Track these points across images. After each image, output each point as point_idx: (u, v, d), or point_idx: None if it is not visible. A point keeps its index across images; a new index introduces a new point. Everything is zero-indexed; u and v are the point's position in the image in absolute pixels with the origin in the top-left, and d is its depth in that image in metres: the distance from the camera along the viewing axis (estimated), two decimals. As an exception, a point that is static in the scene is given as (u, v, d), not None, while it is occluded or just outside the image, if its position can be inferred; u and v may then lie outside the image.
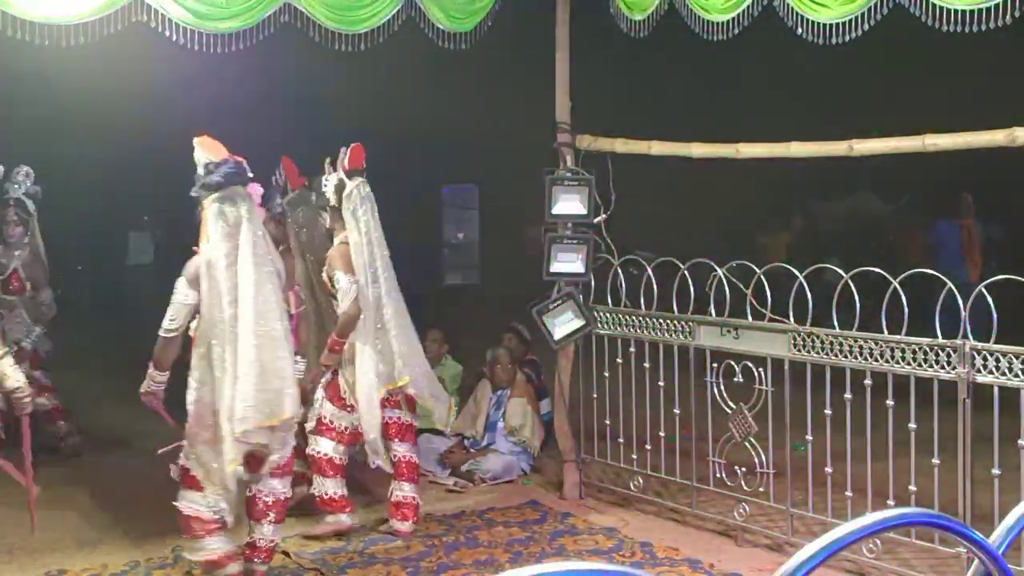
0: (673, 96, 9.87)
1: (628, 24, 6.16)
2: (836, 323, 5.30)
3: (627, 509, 6.40)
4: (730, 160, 6.05)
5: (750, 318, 5.73)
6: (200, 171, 4.98)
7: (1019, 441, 4.73)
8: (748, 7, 5.45)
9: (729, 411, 5.80)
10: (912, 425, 5.01)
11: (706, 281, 5.88)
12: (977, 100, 7.97)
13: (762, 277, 5.57)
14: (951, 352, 4.85)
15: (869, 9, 4.98)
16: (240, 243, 4.91)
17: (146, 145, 8.03)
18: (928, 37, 4.93)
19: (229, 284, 4.82)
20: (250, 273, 4.87)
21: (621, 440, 6.46)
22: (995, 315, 4.72)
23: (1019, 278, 4.72)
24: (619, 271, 6.39)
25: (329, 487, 5.88)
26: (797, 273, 5.40)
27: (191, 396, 4.88)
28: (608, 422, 6.54)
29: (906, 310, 5.01)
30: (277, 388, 4.90)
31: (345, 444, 5.94)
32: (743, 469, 5.78)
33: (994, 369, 4.74)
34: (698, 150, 6.20)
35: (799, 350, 5.47)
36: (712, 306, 5.87)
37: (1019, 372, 4.65)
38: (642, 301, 6.30)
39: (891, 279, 5.03)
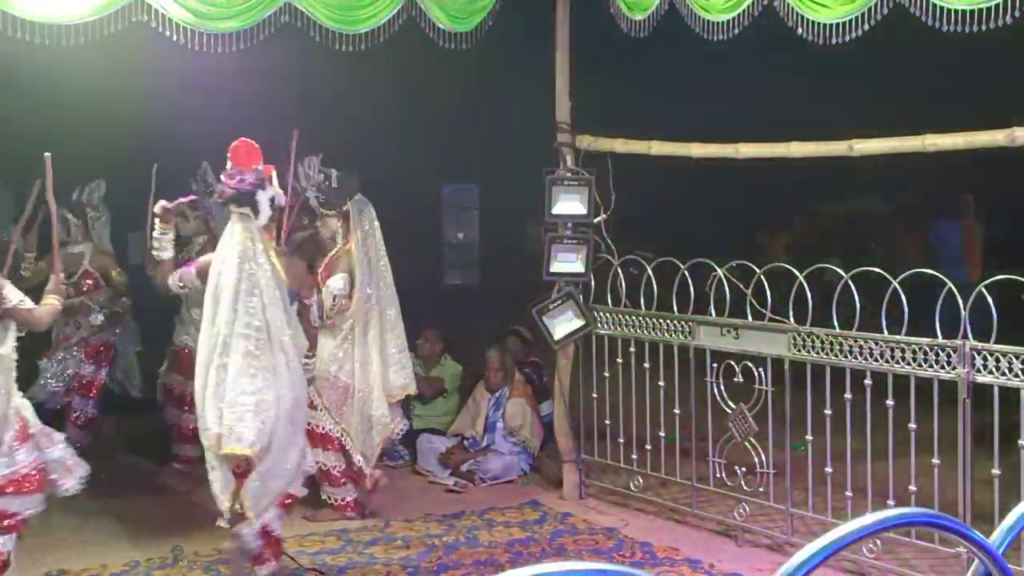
0: (673, 96, 9.85)
1: (628, 24, 6.16)
2: (836, 323, 5.30)
3: (627, 509, 6.41)
4: (730, 160, 6.05)
5: (750, 318, 5.73)
6: (334, 182, 5.97)
7: (1019, 441, 4.73)
8: (748, 7, 5.45)
9: (729, 411, 5.80)
10: (912, 425, 5.01)
11: (706, 281, 5.88)
12: (977, 100, 7.96)
13: (762, 277, 5.57)
14: (951, 352, 4.85)
15: (869, 9, 4.98)
16: (377, 239, 6.03)
17: (146, 145, 8.01)
18: (928, 37, 4.92)
19: (370, 276, 5.96)
20: (387, 265, 6.04)
21: (621, 440, 6.47)
22: (995, 315, 4.73)
23: (1019, 278, 4.72)
24: (619, 271, 6.40)
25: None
26: (797, 273, 5.41)
27: (328, 372, 6.03)
28: (608, 422, 6.55)
29: (906, 310, 5.01)
30: (409, 363, 6.27)
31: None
32: (743, 469, 5.78)
33: (994, 369, 4.74)
34: (698, 150, 6.20)
35: (799, 350, 5.47)
36: (712, 306, 5.87)
37: (1019, 372, 4.65)
38: (642, 301, 6.30)
39: (891, 279, 5.03)
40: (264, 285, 4.85)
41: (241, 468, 4.90)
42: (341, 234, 6.14)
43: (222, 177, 5.00)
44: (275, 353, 4.87)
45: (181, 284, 5.25)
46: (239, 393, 4.79)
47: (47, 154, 4.94)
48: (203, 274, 5.05)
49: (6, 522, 4.72)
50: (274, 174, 5.07)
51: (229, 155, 5.03)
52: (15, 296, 4.63)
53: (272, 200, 4.98)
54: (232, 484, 4.91)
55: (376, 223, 6.13)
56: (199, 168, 7.18)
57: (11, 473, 4.65)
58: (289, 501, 5.17)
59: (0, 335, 4.63)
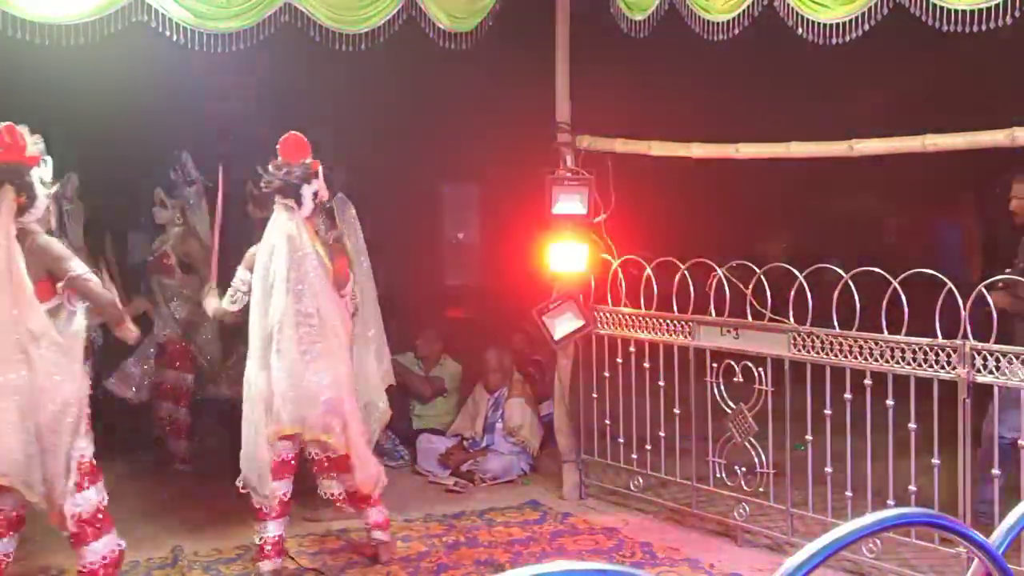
0: (673, 96, 9.84)
1: (628, 24, 6.15)
2: (836, 323, 5.30)
3: (627, 509, 6.41)
4: (730, 160, 6.05)
5: (750, 318, 5.73)
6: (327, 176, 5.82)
7: (1019, 441, 4.73)
8: (748, 7, 5.44)
9: (729, 411, 5.80)
10: (912, 425, 5.01)
11: (706, 281, 5.88)
12: (977, 100, 7.96)
13: (762, 277, 5.57)
14: (951, 352, 4.85)
15: (869, 9, 4.98)
16: (358, 236, 5.97)
17: (145, 145, 8.00)
18: (928, 37, 4.92)
19: (358, 270, 5.81)
20: (367, 259, 5.99)
21: (621, 440, 6.47)
22: (995, 315, 4.72)
23: (1019, 278, 4.72)
24: (619, 271, 6.40)
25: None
26: (797, 273, 5.41)
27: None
28: (608, 422, 6.54)
29: (906, 310, 5.01)
30: (388, 355, 6.25)
31: None
32: (743, 469, 5.78)
33: (994, 369, 4.74)
34: (698, 150, 6.20)
35: (799, 350, 5.47)
36: (712, 306, 5.87)
37: (1019, 372, 4.65)
38: (642, 301, 6.30)
39: (891, 279, 5.03)
40: (312, 274, 5.07)
41: (294, 456, 5.22)
42: (324, 230, 6.21)
43: (270, 168, 5.24)
44: (329, 338, 5.11)
45: (234, 300, 5.35)
46: (301, 380, 5.05)
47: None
48: (249, 268, 5.26)
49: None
50: (320, 169, 5.29)
51: (278, 147, 5.28)
52: (81, 268, 4.69)
53: (315, 194, 5.23)
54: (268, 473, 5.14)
55: (356, 220, 6.19)
56: (179, 158, 7.21)
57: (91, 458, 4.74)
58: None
59: (69, 314, 4.67)
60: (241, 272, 5.32)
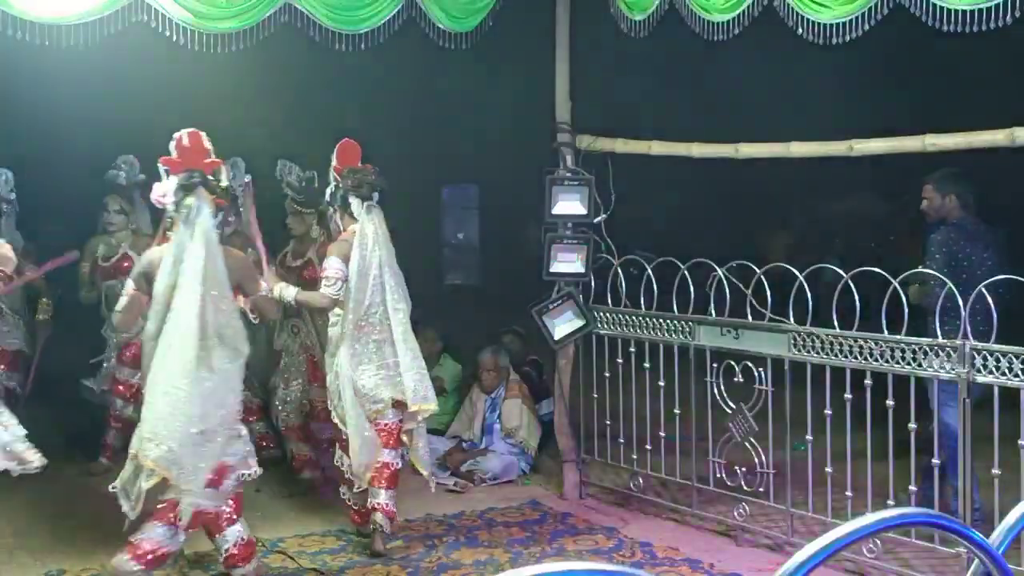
0: (673, 96, 9.85)
1: (628, 24, 6.15)
2: (836, 323, 5.30)
3: (627, 509, 6.40)
4: (730, 160, 6.05)
5: (750, 318, 5.73)
6: (316, 183, 6.14)
7: (1019, 441, 4.73)
8: (748, 7, 5.44)
9: (729, 411, 5.80)
10: (912, 425, 5.01)
11: (706, 281, 5.88)
12: (977, 100, 7.96)
13: (762, 277, 5.57)
14: (951, 352, 4.85)
15: (869, 9, 4.97)
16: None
17: (145, 146, 8.02)
18: (928, 37, 4.92)
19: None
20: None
21: (621, 440, 6.46)
22: (995, 315, 4.72)
23: (1019, 278, 4.72)
24: (619, 271, 6.40)
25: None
26: (797, 273, 5.40)
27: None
28: (608, 422, 6.54)
29: (906, 310, 5.01)
30: None
31: None
32: (743, 469, 5.78)
33: (994, 369, 4.73)
34: (698, 150, 6.20)
35: (799, 350, 5.46)
36: (712, 306, 5.87)
37: (1019, 372, 4.65)
38: (642, 301, 6.30)
39: (891, 279, 5.03)
40: (396, 267, 5.60)
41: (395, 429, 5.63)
42: (316, 230, 6.74)
43: (335, 175, 5.61)
44: (409, 323, 5.64)
45: (338, 290, 5.50)
46: (411, 359, 5.56)
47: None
48: (340, 258, 5.53)
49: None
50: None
51: (337, 154, 5.66)
52: (266, 286, 5.19)
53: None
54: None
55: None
56: (126, 161, 7.15)
57: None
58: None
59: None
60: (336, 261, 5.51)
